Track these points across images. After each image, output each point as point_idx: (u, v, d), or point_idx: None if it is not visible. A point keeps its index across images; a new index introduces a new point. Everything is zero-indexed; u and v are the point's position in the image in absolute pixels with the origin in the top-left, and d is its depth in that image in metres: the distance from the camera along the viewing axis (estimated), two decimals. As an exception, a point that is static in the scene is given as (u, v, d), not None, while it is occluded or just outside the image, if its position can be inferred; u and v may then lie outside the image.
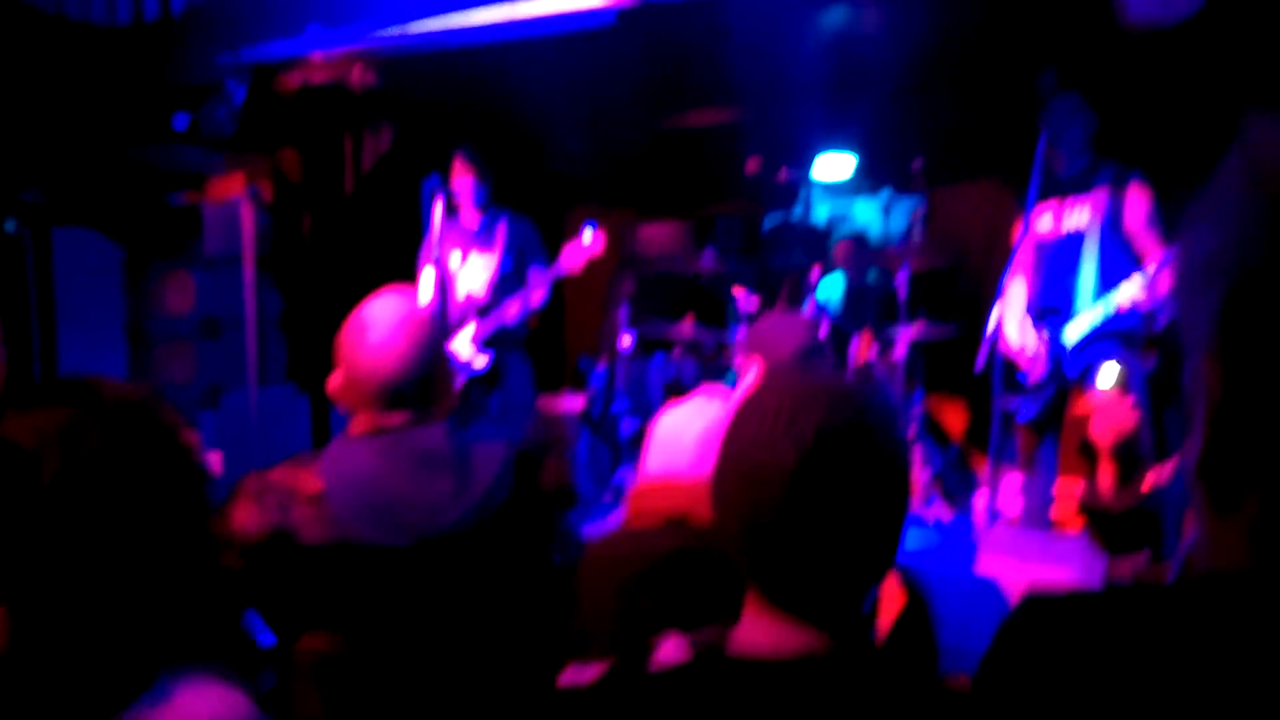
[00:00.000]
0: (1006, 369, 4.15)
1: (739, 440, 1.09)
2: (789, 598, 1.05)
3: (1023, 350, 4.10)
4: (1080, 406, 4.68)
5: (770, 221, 6.62)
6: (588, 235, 4.68)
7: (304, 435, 5.55)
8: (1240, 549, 0.55)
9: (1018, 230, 4.07)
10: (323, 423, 5.53)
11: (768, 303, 5.54)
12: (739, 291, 5.47)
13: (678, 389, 6.09)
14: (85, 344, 5.28)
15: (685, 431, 1.93)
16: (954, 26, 4.29)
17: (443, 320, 4.82)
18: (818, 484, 1.03)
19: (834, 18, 4.33)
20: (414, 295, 2.05)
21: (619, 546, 1.89)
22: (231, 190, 5.17)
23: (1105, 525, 3.62)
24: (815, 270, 5.66)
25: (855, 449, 1.05)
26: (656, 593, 1.79)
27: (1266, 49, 3.89)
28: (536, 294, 4.76)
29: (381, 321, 1.85)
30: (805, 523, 1.03)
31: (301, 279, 5.44)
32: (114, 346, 5.46)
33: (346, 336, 1.88)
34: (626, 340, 5.71)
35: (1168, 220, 3.90)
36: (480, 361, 4.83)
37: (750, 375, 2.95)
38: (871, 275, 5.82)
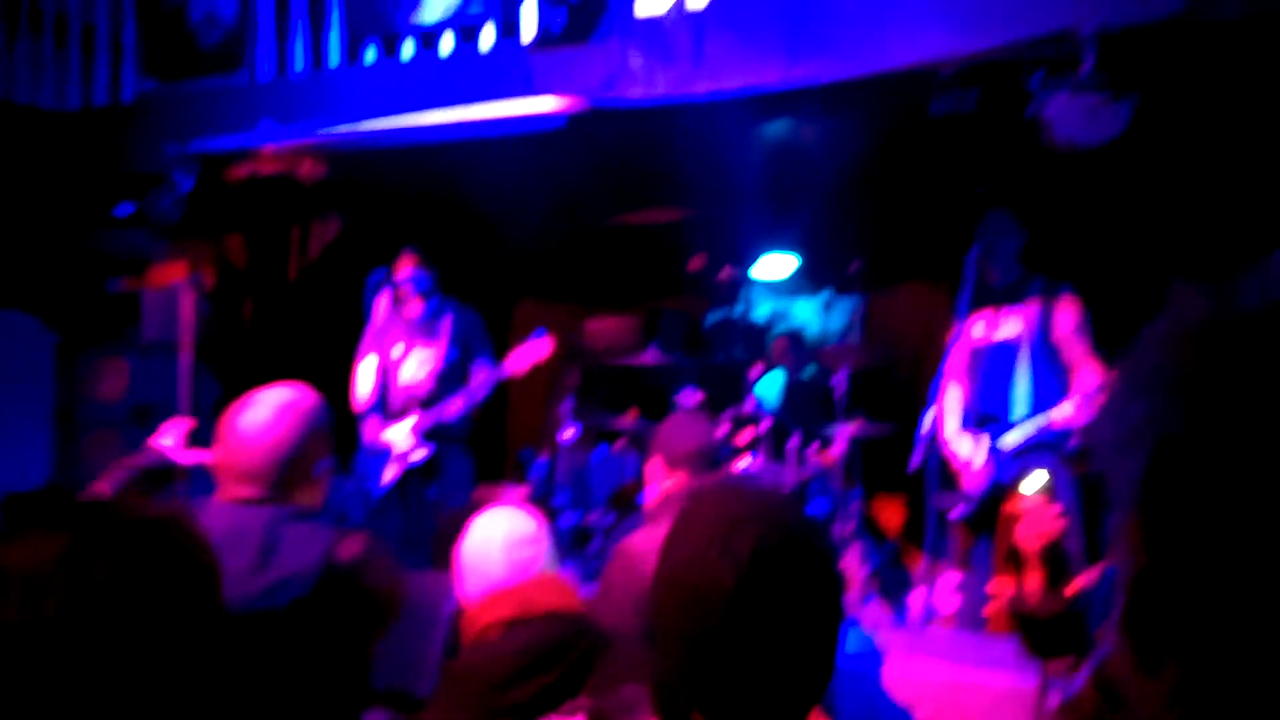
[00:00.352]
0: (942, 468, 4.24)
1: (674, 562, 1.10)
2: (726, 716, 1.05)
3: (964, 459, 4.20)
4: (1013, 508, 4.79)
5: (713, 318, 6.74)
6: (537, 340, 4.70)
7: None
8: (1162, 708, 0.55)
9: (951, 336, 4.21)
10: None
11: (711, 399, 5.59)
12: (684, 391, 5.52)
13: (622, 485, 6.08)
14: (11, 429, 5.13)
15: (490, 546, 2.13)
16: (893, 140, 4.50)
17: (383, 408, 4.78)
18: (755, 604, 1.03)
19: (776, 128, 4.51)
20: (307, 394, 2.12)
21: (477, 656, 2.04)
22: (173, 277, 5.12)
23: (1031, 629, 3.66)
24: (756, 367, 5.75)
25: (790, 566, 1.06)
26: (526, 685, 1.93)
27: (1185, 168, 4.15)
28: (480, 390, 4.74)
29: (258, 406, 2.01)
30: (744, 643, 1.04)
31: (240, 367, 5.36)
32: (40, 431, 5.30)
33: (226, 413, 2.03)
34: (569, 433, 5.70)
35: (1095, 331, 4.08)
36: (419, 454, 4.77)
37: (653, 474, 2.97)
38: (809, 373, 5.93)
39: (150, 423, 5.15)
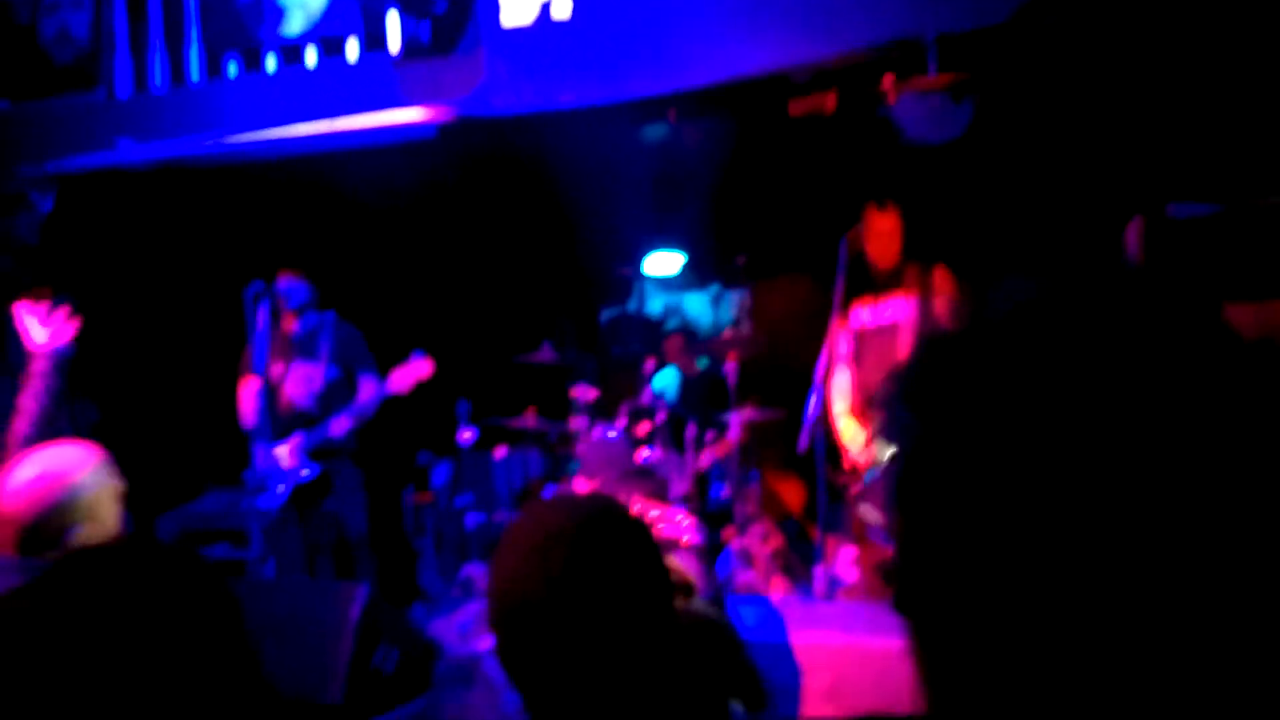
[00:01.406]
0: (829, 447, 4.38)
1: (499, 576, 1.15)
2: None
3: (848, 440, 4.35)
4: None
5: (607, 315, 6.80)
6: (417, 361, 4.68)
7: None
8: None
9: (834, 324, 4.35)
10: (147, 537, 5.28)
11: (606, 395, 5.66)
12: (579, 387, 5.57)
13: (526, 483, 6.12)
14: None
15: None
16: (763, 139, 4.60)
17: (269, 426, 4.71)
18: (568, 611, 1.09)
19: (653, 130, 4.57)
20: (80, 461, 2.19)
21: None
22: (39, 298, 4.95)
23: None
24: (649, 362, 5.83)
25: (603, 576, 1.11)
26: None
27: (1023, 161, 4.37)
28: (366, 408, 4.71)
29: (25, 466, 2.13)
30: (563, 647, 1.09)
31: (119, 390, 5.23)
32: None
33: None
34: (467, 435, 5.70)
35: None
36: (305, 473, 4.72)
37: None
38: (702, 364, 6.04)
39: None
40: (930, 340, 0.64)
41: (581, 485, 2.90)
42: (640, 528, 1.20)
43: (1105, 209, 3.77)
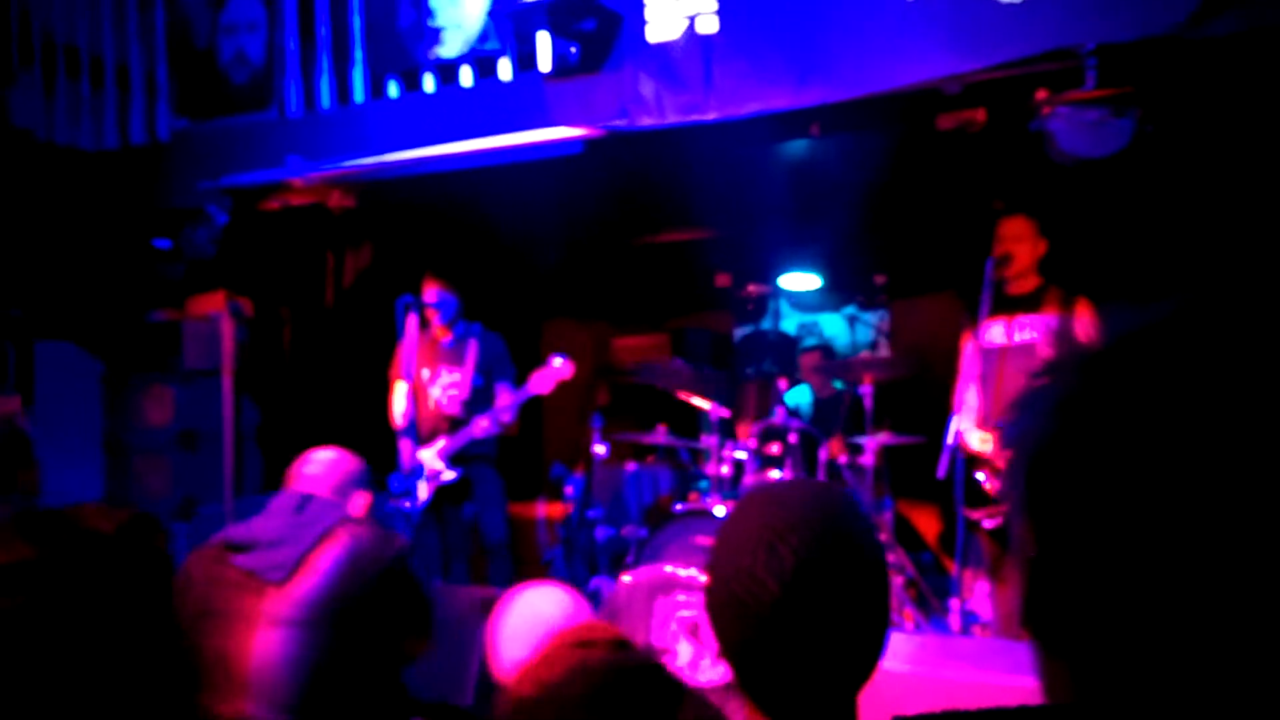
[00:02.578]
0: (968, 477, 4.24)
1: (721, 573, 1.14)
2: (780, 711, 1.11)
3: (977, 450, 4.20)
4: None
5: (742, 333, 6.79)
6: (557, 362, 4.80)
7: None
8: (1066, 688, 0.62)
9: (966, 342, 4.22)
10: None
11: (737, 413, 5.64)
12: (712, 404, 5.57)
13: (656, 499, 6.15)
14: (63, 454, 5.33)
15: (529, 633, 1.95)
16: (906, 156, 4.52)
17: (415, 430, 4.90)
18: (800, 610, 1.08)
19: (793, 146, 4.56)
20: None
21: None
22: (212, 306, 5.31)
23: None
24: (782, 381, 5.78)
25: (833, 570, 1.10)
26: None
27: (1188, 181, 4.13)
28: (505, 413, 4.85)
29: None
30: (791, 644, 1.09)
31: (278, 392, 5.53)
32: (91, 458, 5.51)
33: None
34: (600, 449, 5.78)
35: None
36: (448, 476, 4.89)
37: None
38: (838, 384, 5.95)
39: (195, 447, 5.37)
40: (1079, 355, 0.66)
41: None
42: (859, 516, 1.19)
43: (1272, 236, 3.53)
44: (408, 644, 2.38)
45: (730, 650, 1.14)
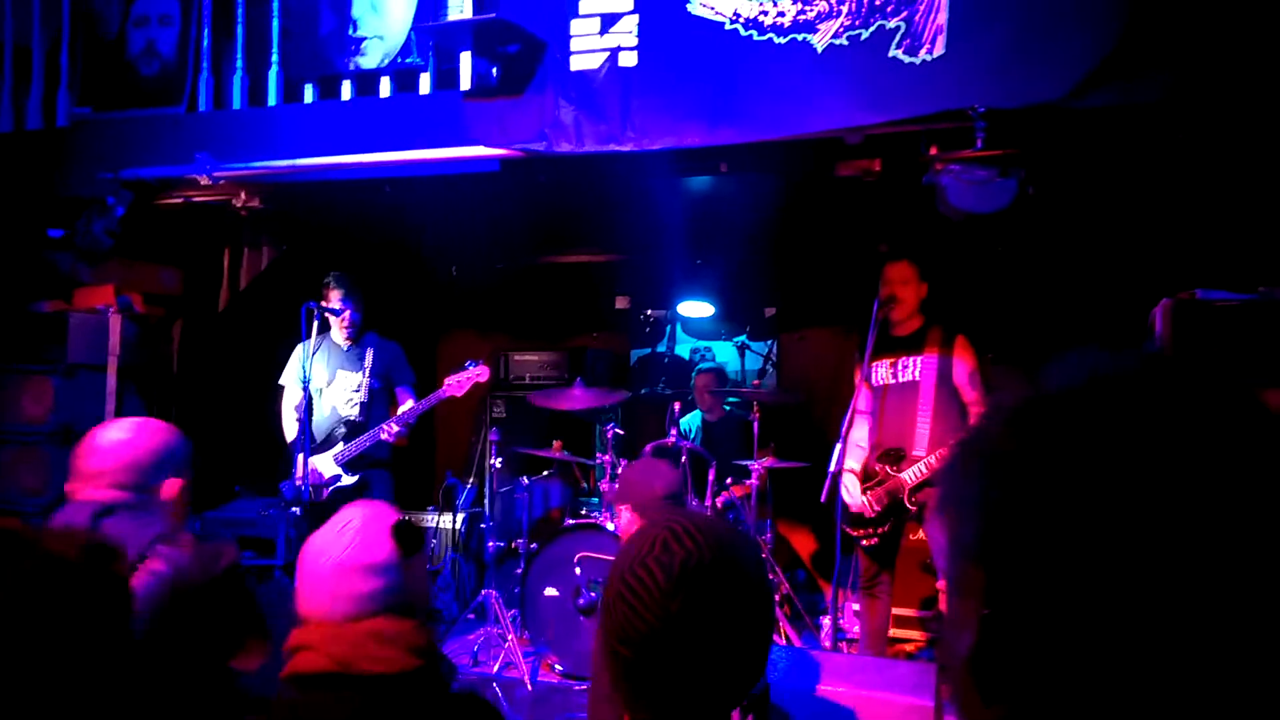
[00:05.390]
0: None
1: (617, 566, 1.24)
2: (655, 710, 1.19)
3: (847, 499, 4.48)
4: (916, 537, 5.10)
5: (639, 354, 6.97)
6: (472, 366, 4.88)
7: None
8: None
9: (858, 378, 4.51)
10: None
11: (633, 434, 5.79)
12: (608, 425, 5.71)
13: (546, 512, 6.23)
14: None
15: (323, 560, 1.69)
16: (804, 197, 4.78)
17: (310, 436, 4.86)
18: (682, 608, 1.17)
19: (698, 181, 4.75)
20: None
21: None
22: (101, 299, 5.15)
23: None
24: (676, 404, 5.97)
25: (721, 579, 1.19)
26: None
27: (1068, 237, 4.54)
28: (407, 417, 4.89)
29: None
30: (672, 643, 1.17)
31: (165, 391, 5.39)
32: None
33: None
34: (496, 462, 5.83)
35: (987, 376, 4.44)
36: (347, 480, 4.90)
37: (624, 517, 3.12)
38: (728, 409, 6.18)
39: (73, 443, 5.16)
40: (1001, 413, 0.68)
41: (622, 510, 2.99)
42: (762, 566, 1.26)
43: (1134, 288, 3.92)
44: (240, 658, 2.09)
45: (615, 643, 1.20)
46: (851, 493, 4.50)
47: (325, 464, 4.90)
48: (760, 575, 1.25)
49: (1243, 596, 0.56)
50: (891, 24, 3.74)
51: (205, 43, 4.84)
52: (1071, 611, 0.59)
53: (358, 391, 4.98)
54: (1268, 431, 0.61)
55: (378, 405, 5.03)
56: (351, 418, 4.95)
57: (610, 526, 4.93)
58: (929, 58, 3.66)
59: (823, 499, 4.43)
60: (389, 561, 1.66)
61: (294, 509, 4.86)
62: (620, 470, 4.97)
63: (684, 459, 5.47)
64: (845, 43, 3.80)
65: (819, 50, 3.83)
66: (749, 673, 1.21)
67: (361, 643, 1.60)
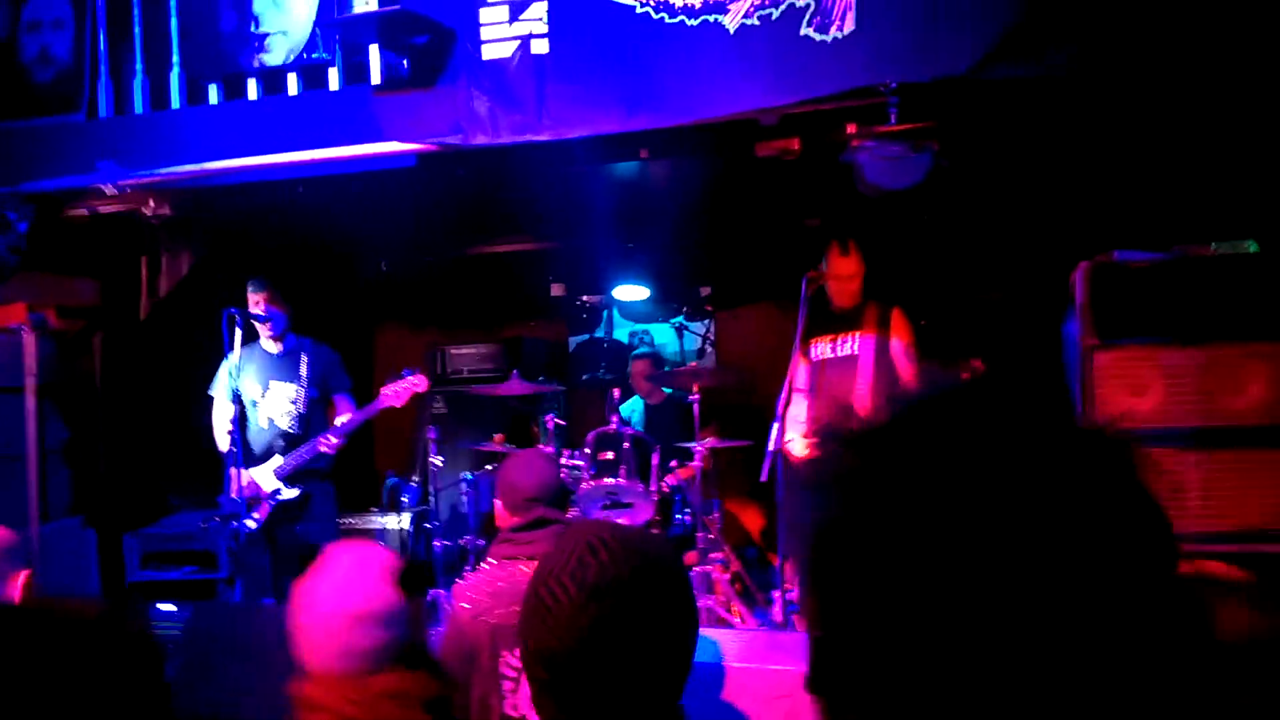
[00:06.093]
0: (787, 476, 4.52)
1: (534, 579, 1.23)
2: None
3: (798, 456, 4.51)
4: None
5: (577, 341, 6.92)
6: (409, 375, 4.76)
7: (92, 568, 5.26)
8: None
9: (794, 358, 4.53)
10: (112, 556, 5.27)
11: (573, 422, 5.76)
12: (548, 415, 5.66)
13: (490, 509, 6.18)
14: None
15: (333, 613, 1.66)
16: (729, 179, 4.76)
17: (245, 448, 4.73)
18: (595, 621, 1.16)
19: (624, 166, 4.70)
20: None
21: None
22: (13, 318, 4.97)
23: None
24: (616, 391, 5.94)
25: (634, 593, 1.18)
26: None
27: (992, 206, 4.58)
28: (348, 426, 4.76)
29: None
30: (585, 654, 1.16)
31: (89, 408, 5.23)
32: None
33: None
34: (438, 460, 5.76)
35: (921, 344, 4.50)
36: (289, 494, 4.76)
37: (500, 519, 3.06)
38: (668, 391, 6.16)
39: (-7, 467, 4.99)
40: (842, 436, 0.69)
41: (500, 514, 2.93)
42: (681, 577, 1.24)
43: (1055, 253, 3.96)
44: None
45: (532, 661, 1.19)
46: (797, 452, 4.52)
47: (264, 477, 4.76)
48: (678, 585, 1.24)
49: (1050, 626, 0.58)
50: (801, 2, 3.71)
51: (102, 46, 4.65)
52: (892, 637, 0.60)
53: (295, 403, 4.82)
54: (1075, 460, 0.63)
55: (316, 415, 4.87)
56: (289, 430, 4.81)
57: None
58: (839, 35, 3.63)
59: (763, 478, 4.44)
60: (395, 611, 1.61)
61: (234, 523, 4.74)
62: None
63: (626, 445, 5.45)
64: (756, 22, 3.76)
65: (731, 31, 3.78)
66: (669, 684, 1.20)
67: (375, 704, 1.55)
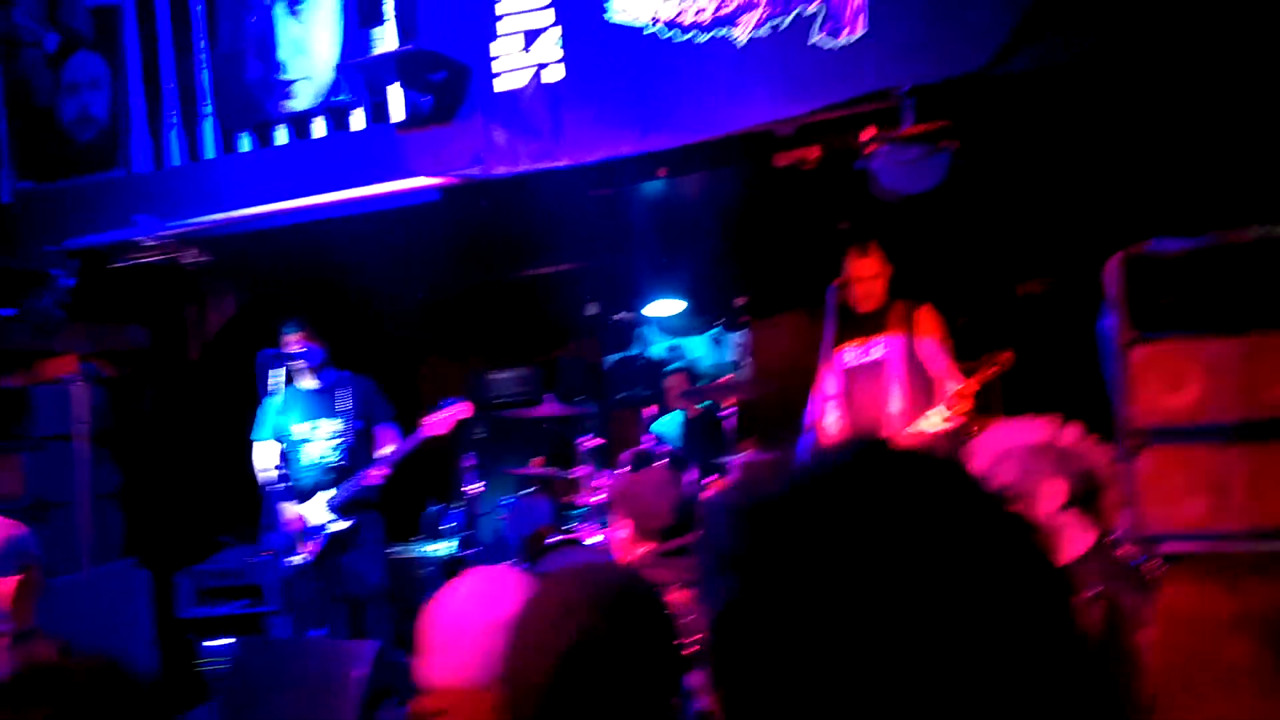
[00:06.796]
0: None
1: (520, 635, 1.25)
2: None
3: None
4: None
5: (612, 360, 6.94)
6: (453, 403, 4.79)
7: (145, 607, 5.38)
8: None
9: (821, 367, 4.50)
10: (165, 596, 5.39)
11: (610, 441, 5.76)
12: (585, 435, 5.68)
13: (534, 531, 6.21)
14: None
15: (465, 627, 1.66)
16: (753, 190, 4.76)
17: (292, 485, 4.81)
18: (579, 676, 1.18)
19: (651, 186, 4.72)
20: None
21: None
22: (64, 369, 5.13)
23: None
24: (652, 406, 5.95)
25: (614, 646, 1.20)
26: None
27: (1006, 203, 4.52)
28: (396, 455, 4.81)
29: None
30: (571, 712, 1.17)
31: (141, 453, 5.37)
32: (-63, 535, 5.21)
33: None
34: (477, 486, 5.80)
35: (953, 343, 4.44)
36: (340, 525, 4.83)
37: (621, 534, 3.04)
38: (704, 405, 6.16)
39: (46, 517, 5.14)
40: (740, 510, 0.67)
41: (618, 525, 2.89)
42: (655, 604, 1.26)
43: (1091, 245, 3.89)
44: None
45: (513, 704, 1.21)
46: None
47: (315, 510, 4.84)
48: (660, 632, 1.24)
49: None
50: (811, 9, 3.71)
51: (137, 102, 4.81)
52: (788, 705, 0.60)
53: (341, 436, 4.89)
54: (970, 535, 0.62)
55: (362, 446, 4.94)
56: (338, 462, 4.88)
57: (591, 540, 4.91)
58: (851, 39, 3.63)
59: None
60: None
61: (283, 557, 4.82)
62: (618, 479, 4.92)
63: (664, 463, 5.45)
64: (766, 34, 3.77)
65: (741, 44, 3.80)
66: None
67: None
